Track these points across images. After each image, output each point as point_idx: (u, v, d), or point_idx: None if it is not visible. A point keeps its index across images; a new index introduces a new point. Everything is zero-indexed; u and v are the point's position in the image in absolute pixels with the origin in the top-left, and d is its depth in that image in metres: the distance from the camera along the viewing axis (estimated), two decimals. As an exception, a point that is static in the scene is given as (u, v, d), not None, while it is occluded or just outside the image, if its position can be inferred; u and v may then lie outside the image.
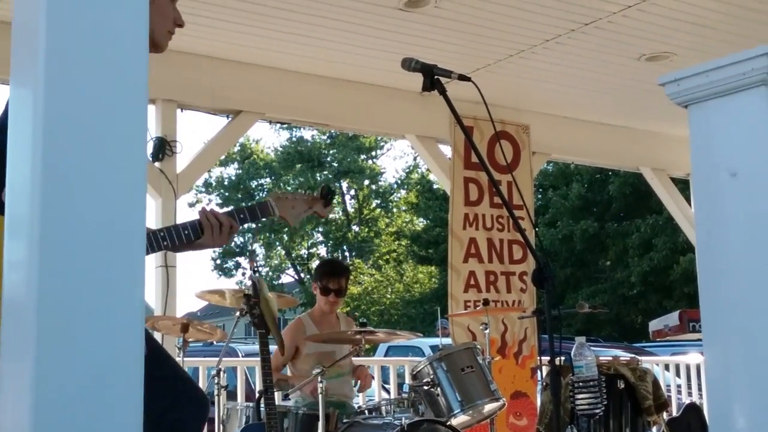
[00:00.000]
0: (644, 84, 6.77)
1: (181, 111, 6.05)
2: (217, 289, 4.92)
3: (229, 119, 6.33)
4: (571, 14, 5.59)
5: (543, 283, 2.98)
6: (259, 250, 34.81)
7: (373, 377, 5.71)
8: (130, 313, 1.49)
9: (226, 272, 34.84)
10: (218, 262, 35.02)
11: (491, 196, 7.14)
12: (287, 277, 36.07)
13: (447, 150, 7.27)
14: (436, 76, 3.28)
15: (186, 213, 36.50)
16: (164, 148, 5.79)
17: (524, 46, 6.12)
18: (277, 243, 34.19)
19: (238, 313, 4.35)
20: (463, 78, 3.21)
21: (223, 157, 29.40)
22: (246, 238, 34.87)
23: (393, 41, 5.79)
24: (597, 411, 4.63)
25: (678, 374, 8.37)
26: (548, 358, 3.13)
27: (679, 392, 8.27)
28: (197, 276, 50.29)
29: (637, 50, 6.24)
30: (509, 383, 6.88)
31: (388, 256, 31.31)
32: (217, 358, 4.83)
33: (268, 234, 33.56)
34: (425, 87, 3.29)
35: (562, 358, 4.91)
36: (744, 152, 1.75)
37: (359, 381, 5.40)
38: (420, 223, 31.36)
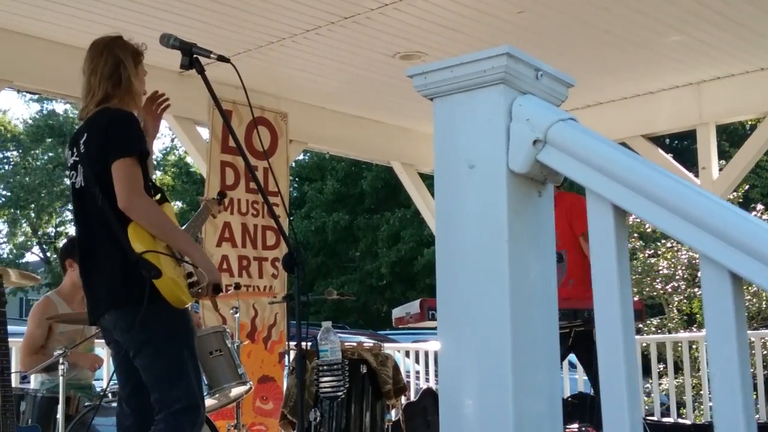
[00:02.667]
0: (398, 81, 7.03)
1: None
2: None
3: (-28, 85, 5.94)
4: (331, 6, 5.71)
5: (293, 268, 3.05)
6: (2, 226, 32.85)
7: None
8: None
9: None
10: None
11: (247, 181, 7.16)
12: (32, 256, 34.25)
13: (205, 132, 7.20)
14: (194, 55, 3.27)
15: None
16: None
17: (285, 34, 6.18)
18: (23, 220, 32.32)
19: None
20: (222, 59, 3.22)
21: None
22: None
23: (153, 17, 5.66)
24: (339, 393, 4.77)
25: (417, 361, 8.76)
26: (295, 342, 3.21)
27: (418, 378, 8.67)
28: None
29: (392, 48, 6.47)
30: (257, 367, 6.93)
31: (142, 238, 30.32)
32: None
33: (12, 209, 31.67)
34: (183, 65, 3.28)
35: (309, 343, 5.02)
36: (481, 145, 1.86)
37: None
38: (176, 205, 30.73)
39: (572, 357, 9.59)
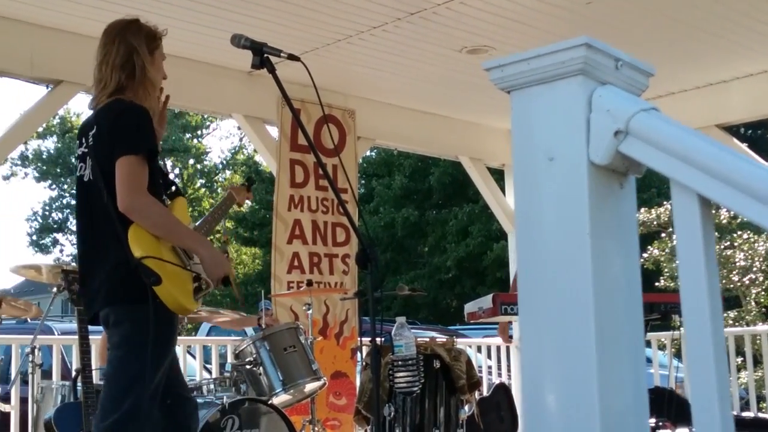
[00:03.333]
0: (465, 75, 7.00)
1: (-3, 79, 5.77)
2: (33, 264, 4.74)
3: (49, 89, 6.06)
4: (398, 3, 5.70)
5: (366, 264, 3.05)
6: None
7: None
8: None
9: (43, 248, 33.50)
10: (34, 238, 33.60)
11: (317, 178, 7.21)
12: (107, 255, 34.92)
13: (274, 131, 7.26)
14: (265, 55, 3.28)
15: (-1, 185, 34.94)
16: (-23, 117, 5.50)
17: (352, 31, 6.19)
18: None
19: (55, 290, 4.21)
20: (292, 57, 3.24)
21: (41, 129, 28.19)
22: (64, 214, 33.58)
23: (222, 19, 5.73)
24: (414, 389, 4.78)
25: (489, 356, 8.72)
26: (369, 338, 3.19)
27: (490, 373, 8.62)
28: (11, 252, 47.55)
29: (459, 42, 6.44)
30: (330, 363, 6.97)
31: (212, 237, 30.78)
32: (31, 336, 4.67)
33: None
34: (254, 65, 3.29)
35: (382, 338, 5.03)
36: (561, 137, 1.84)
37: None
38: (246, 204, 31.04)
39: (648, 351, 9.47)
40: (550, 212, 1.85)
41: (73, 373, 4.47)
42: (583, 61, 1.79)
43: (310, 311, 5.87)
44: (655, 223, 12.86)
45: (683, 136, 1.70)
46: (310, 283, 6.05)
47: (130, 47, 3.37)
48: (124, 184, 3.17)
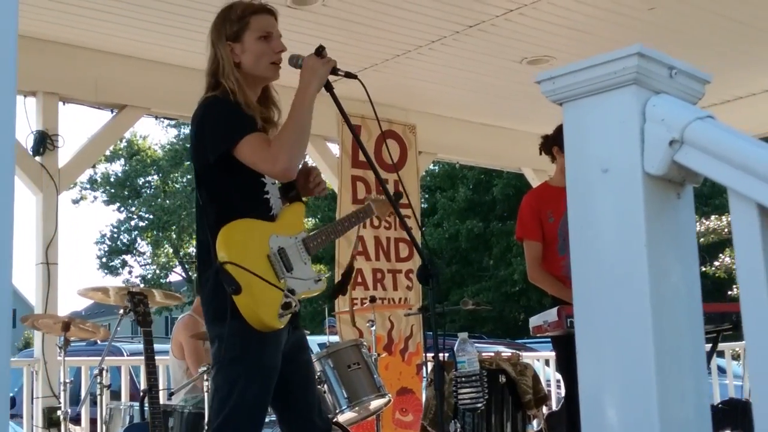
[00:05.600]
0: (526, 86, 6.95)
1: (63, 104, 5.91)
2: (100, 287, 4.80)
3: (114, 113, 6.20)
4: (455, 16, 5.70)
5: (428, 280, 3.03)
6: (146, 248, 34.15)
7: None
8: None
9: (113, 270, 34.18)
10: (104, 260, 34.30)
11: (378, 194, 7.21)
12: (175, 276, 35.58)
13: (335, 149, 7.30)
14: (323, 74, 3.29)
15: (69, 209, 35.69)
16: (45, 142, 5.65)
17: (410, 46, 6.21)
18: (165, 241, 33.63)
19: (121, 311, 4.27)
20: (349, 75, 3.25)
21: (108, 152, 28.88)
22: (132, 236, 34.24)
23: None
24: (479, 405, 4.74)
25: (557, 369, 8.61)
26: (432, 354, 3.15)
27: (559, 387, 8.51)
28: (82, 275, 48.48)
29: (519, 53, 6.41)
30: (395, 380, 6.96)
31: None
32: (100, 358, 4.75)
33: (155, 232, 33.00)
34: (313, 84, 3.30)
35: (446, 354, 5.00)
36: (614, 148, 1.81)
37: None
38: (308, 221, 31.31)
39: (721, 361, 9.26)
40: (606, 224, 1.82)
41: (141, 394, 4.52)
42: (636, 71, 1.75)
43: (373, 327, 5.87)
44: (726, 230, 12.59)
45: (740, 144, 1.66)
46: (373, 300, 6.05)
47: (213, 46, 3.26)
48: (256, 161, 3.05)
